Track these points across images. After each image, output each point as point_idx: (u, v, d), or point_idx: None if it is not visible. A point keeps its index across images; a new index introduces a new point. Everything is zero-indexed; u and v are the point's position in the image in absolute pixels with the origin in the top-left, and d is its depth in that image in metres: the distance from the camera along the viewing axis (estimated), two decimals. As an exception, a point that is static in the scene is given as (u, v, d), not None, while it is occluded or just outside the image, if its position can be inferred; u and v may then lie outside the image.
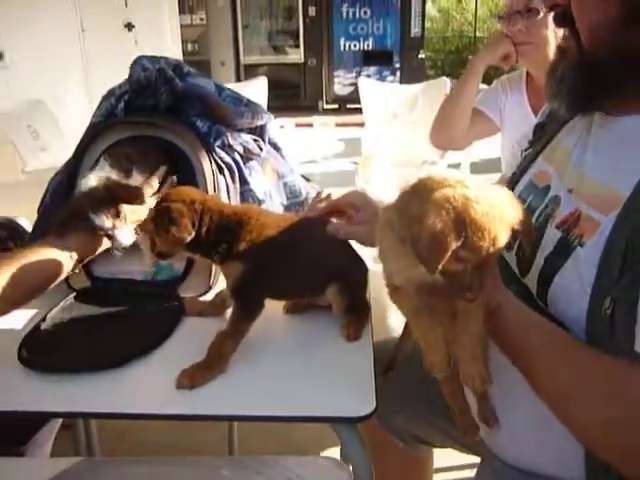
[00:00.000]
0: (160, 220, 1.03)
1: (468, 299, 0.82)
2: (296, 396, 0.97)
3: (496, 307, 0.87)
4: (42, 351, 1.08)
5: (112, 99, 1.36)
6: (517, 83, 2.14)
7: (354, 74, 9.95)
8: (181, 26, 8.00)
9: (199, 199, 1.06)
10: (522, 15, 1.92)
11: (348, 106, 9.74)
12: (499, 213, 0.78)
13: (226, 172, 1.34)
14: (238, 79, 9.77)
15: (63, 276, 1.18)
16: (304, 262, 1.09)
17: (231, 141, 1.36)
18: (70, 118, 4.45)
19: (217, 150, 1.34)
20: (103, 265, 1.30)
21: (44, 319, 1.18)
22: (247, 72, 9.99)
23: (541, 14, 1.88)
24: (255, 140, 1.44)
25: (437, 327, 0.89)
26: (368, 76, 9.02)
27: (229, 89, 1.45)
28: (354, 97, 9.62)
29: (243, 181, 1.39)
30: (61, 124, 4.21)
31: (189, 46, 9.66)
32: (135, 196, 1.18)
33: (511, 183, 1.18)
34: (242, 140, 1.40)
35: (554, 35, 1.91)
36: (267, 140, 1.50)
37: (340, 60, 10.00)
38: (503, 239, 0.79)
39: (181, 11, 8.50)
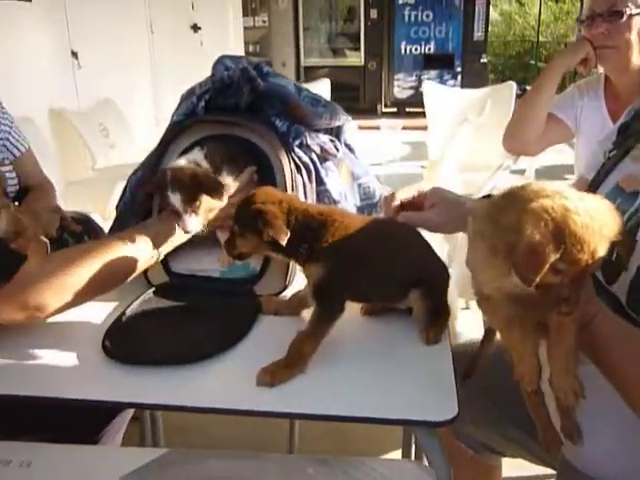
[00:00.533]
0: (251, 222, 1.03)
1: (564, 312, 0.80)
2: (374, 398, 0.96)
3: (590, 319, 0.84)
4: (125, 343, 1.10)
5: (193, 98, 1.38)
6: (595, 88, 2.08)
7: (414, 77, 9.89)
8: (244, 28, 8.12)
9: (286, 199, 1.07)
10: (604, 18, 1.86)
11: (407, 110, 9.69)
12: (599, 225, 0.76)
13: (304, 172, 1.34)
14: (297, 80, 9.82)
15: (142, 268, 1.20)
16: (387, 266, 1.08)
17: (309, 141, 1.37)
18: (137, 116, 4.57)
19: (295, 150, 1.34)
20: (181, 261, 1.32)
21: (125, 312, 1.20)
22: (307, 74, 10.05)
23: (624, 17, 1.82)
24: (331, 141, 1.44)
25: (528, 339, 0.87)
26: (428, 79, 8.95)
27: (307, 89, 1.46)
28: (413, 101, 9.60)
29: (319, 181, 1.39)
30: (128, 122, 4.32)
31: (251, 47, 9.79)
32: (216, 190, 1.19)
33: (593, 185, 1.15)
34: (319, 140, 1.40)
35: (637, 39, 1.85)
36: (343, 141, 1.50)
37: (400, 63, 9.95)
38: (602, 251, 0.77)
39: (244, 13, 8.63)
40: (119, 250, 1.14)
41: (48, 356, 1.09)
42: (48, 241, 1.51)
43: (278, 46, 10.11)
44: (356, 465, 0.79)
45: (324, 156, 1.41)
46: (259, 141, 1.29)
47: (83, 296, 1.11)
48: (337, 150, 1.44)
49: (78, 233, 1.85)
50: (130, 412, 1.57)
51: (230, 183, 1.25)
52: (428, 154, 3.05)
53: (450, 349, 1.09)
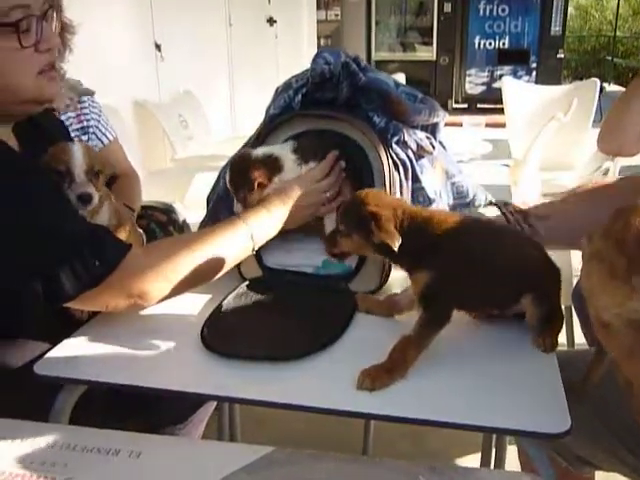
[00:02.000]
0: (360, 223, 1.03)
1: None
2: (478, 405, 0.92)
3: None
4: (223, 336, 1.10)
5: (290, 91, 1.36)
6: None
7: (487, 73, 9.69)
8: (317, 21, 8.13)
9: (397, 204, 1.06)
10: None
11: (478, 106, 9.51)
12: None
13: (401, 169, 1.31)
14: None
15: (240, 260, 1.21)
16: (498, 270, 1.04)
17: (406, 137, 1.34)
18: (214, 108, 4.62)
19: (393, 146, 1.31)
20: (274, 256, 1.32)
21: (220, 305, 1.20)
22: (377, 68, 9.94)
23: None
24: (427, 137, 1.41)
25: None
26: (502, 75, 8.74)
27: (403, 85, 1.43)
28: (486, 97, 9.41)
29: (415, 179, 1.35)
30: (206, 114, 4.38)
31: (322, 41, 9.78)
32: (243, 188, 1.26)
33: None
34: (416, 137, 1.36)
35: None
36: (438, 138, 1.46)
37: (473, 58, 9.75)
38: None
39: (317, 7, 8.63)
40: (218, 241, 1.15)
41: (145, 346, 1.10)
42: (143, 231, 1.54)
43: (349, 40, 10.06)
44: (467, 475, 0.76)
45: (420, 153, 1.38)
46: (359, 137, 1.27)
47: (184, 285, 1.12)
48: (433, 147, 1.41)
49: (164, 223, 1.89)
50: (213, 403, 1.58)
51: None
52: (511, 152, 2.96)
53: (556, 357, 1.05)
